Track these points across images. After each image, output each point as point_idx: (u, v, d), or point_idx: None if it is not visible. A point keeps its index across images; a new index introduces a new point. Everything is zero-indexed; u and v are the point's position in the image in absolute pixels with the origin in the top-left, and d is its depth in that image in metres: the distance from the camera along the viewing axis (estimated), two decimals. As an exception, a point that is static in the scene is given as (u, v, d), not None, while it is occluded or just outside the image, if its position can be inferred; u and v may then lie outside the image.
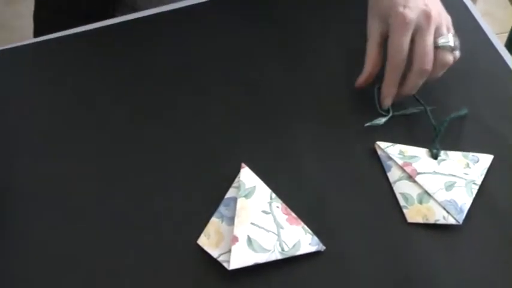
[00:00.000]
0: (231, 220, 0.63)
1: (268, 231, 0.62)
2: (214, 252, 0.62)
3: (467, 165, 0.69)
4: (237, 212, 0.63)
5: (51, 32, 0.83)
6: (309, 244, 0.62)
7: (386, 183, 0.68)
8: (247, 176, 0.66)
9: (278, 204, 0.64)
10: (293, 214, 0.64)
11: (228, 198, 0.66)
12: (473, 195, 0.66)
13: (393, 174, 0.69)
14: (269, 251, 0.61)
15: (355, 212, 0.66)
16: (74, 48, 0.82)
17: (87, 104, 0.76)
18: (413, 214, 0.66)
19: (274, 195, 0.65)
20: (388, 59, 0.70)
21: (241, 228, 0.61)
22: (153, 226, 0.65)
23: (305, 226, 0.64)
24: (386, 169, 0.69)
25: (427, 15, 0.68)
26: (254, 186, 0.65)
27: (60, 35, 0.83)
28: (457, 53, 0.71)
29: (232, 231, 0.62)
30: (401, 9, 0.68)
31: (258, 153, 0.70)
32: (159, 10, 0.85)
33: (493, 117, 0.74)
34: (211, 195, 0.66)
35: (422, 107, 0.72)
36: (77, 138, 0.72)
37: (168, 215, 0.66)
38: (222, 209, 0.65)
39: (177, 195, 0.67)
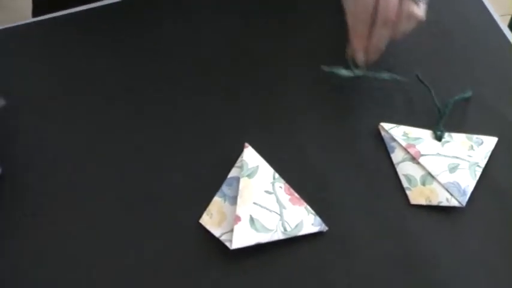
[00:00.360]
0: (233, 199, 0.63)
1: (270, 211, 0.62)
2: (216, 232, 0.62)
3: (471, 148, 0.68)
4: (239, 192, 0.62)
5: (50, 12, 0.82)
6: (312, 224, 0.62)
7: (390, 165, 0.68)
8: (250, 155, 0.66)
9: (281, 184, 0.64)
10: (296, 194, 0.64)
11: (231, 177, 0.65)
12: (477, 178, 0.66)
13: (397, 156, 0.68)
14: (271, 230, 0.61)
15: (358, 193, 0.66)
16: (72, 28, 0.81)
17: (87, 83, 0.75)
18: (416, 196, 0.65)
19: (277, 175, 0.65)
20: (351, 9, 0.68)
21: (243, 208, 0.61)
22: (155, 205, 0.65)
23: (308, 206, 0.64)
24: (389, 150, 0.69)
25: None
26: (257, 166, 0.65)
27: (58, 14, 0.82)
28: (422, 5, 0.70)
29: (234, 210, 0.61)
30: None
31: (260, 134, 0.69)
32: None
33: (497, 99, 0.73)
34: (214, 175, 0.66)
35: (396, 77, 0.72)
36: (76, 119, 0.72)
37: (170, 194, 0.65)
38: (224, 188, 0.65)
39: (179, 175, 0.66)
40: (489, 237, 0.63)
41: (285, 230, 0.61)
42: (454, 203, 0.64)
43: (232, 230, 0.60)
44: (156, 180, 0.66)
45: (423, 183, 0.66)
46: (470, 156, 0.68)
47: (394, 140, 0.69)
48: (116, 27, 0.81)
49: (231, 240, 0.60)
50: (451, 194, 0.65)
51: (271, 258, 0.61)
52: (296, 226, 0.62)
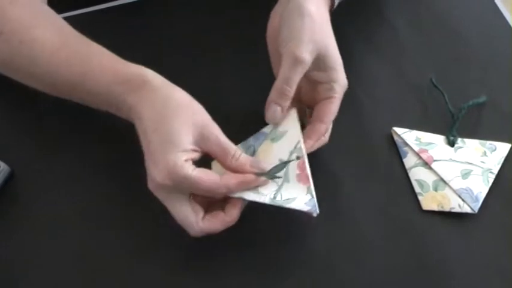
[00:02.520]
0: (252, 153, 0.62)
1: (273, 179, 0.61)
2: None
3: (484, 154, 0.68)
4: (257, 152, 0.62)
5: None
6: (304, 203, 0.59)
7: (402, 170, 0.68)
8: (288, 119, 0.63)
9: (299, 155, 0.61)
10: (307, 171, 0.61)
11: (261, 132, 0.64)
12: (490, 184, 0.66)
13: (409, 161, 0.68)
14: (262, 194, 0.59)
15: (370, 197, 0.65)
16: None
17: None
18: (429, 201, 0.65)
19: (300, 145, 0.62)
20: (325, 122, 0.63)
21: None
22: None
23: (311, 187, 0.60)
24: (402, 155, 0.68)
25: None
26: (286, 131, 0.63)
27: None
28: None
29: None
30: (344, 74, 0.63)
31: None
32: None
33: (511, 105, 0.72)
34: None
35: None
36: (81, 121, 0.71)
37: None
38: (251, 139, 0.63)
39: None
40: (502, 244, 0.63)
41: (275, 198, 0.59)
42: (466, 209, 0.64)
43: None
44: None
45: (435, 189, 0.65)
46: (483, 162, 0.67)
47: (406, 144, 0.69)
48: (118, 28, 0.81)
49: None
50: (464, 200, 0.64)
51: (278, 260, 0.61)
52: (287, 199, 0.59)
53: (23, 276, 0.61)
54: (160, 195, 0.58)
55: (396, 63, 0.75)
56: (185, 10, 0.82)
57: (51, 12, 0.67)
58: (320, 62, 0.62)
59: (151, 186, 0.58)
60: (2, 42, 0.63)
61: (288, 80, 0.60)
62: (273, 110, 0.61)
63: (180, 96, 0.59)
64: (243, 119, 0.68)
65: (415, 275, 0.61)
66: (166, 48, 0.78)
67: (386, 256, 0.62)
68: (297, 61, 0.60)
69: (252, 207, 0.59)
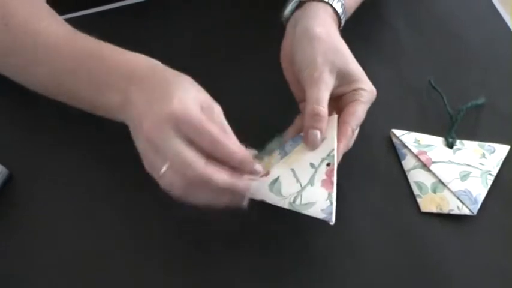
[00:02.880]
0: (284, 156, 0.62)
1: (297, 181, 0.60)
2: None
3: (483, 155, 0.68)
4: (289, 154, 0.62)
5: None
6: (321, 210, 0.59)
7: (401, 172, 0.68)
8: (328, 125, 0.62)
9: (329, 162, 0.61)
10: (334, 179, 0.61)
11: (300, 135, 0.63)
12: (489, 186, 0.66)
13: (408, 163, 0.68)
14: (283, 197, 0.60)
15: (369, 199, 0.65)
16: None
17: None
18: (427, 203, 0.65)
19: (333, 153, 0.61)
20: (350, 124, 0.62)
21: (279, 169, 0.61)
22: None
23: (333, 194, 0.60)
24: (401, 157, 0.68)
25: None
26: (323, 138, 0.62)
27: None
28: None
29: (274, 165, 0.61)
30: (371, 84, 0.64)
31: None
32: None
33: (510, 107, 0.72)
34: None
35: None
36: (88, 122, 0.72)
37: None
38: (288, 143, 0.63)
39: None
40: (501, 246, 0.63)
41: (294, 202, 0.59)
42: (465, 211, 0.64)
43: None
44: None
45: (434, 191, 0.65)
46: (482, 164, 0.67)
47: (405, 146, 0.69)
48: (118, 30, 0.81)
49: None
50: (462, 202, 0.64)
51: (277, 262, 0.61)
52: (306, 204, 0.59)
53: (22, 279, 0.60)
54: (157, 131, 0.55)
55: (395, 65, 0.75)
56: (185, 11, 0.82)
57: (52, 10, 0.68)
58: (343, 79, 0.63)
59: (147, 126, 0.55)
60: (7, 32, 0.64)
61: (318, 101, 0.60)
62: (313, 135, 0.61)
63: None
64: (244, 120, 0.68)
65: (414, 277, 0.60)
66: (167, 49, 0.78)
67: (385, 258, 0.62)
68: (319, 81, 0.61)
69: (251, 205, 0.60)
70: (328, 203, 0.59)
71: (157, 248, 0.62)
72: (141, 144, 0.57)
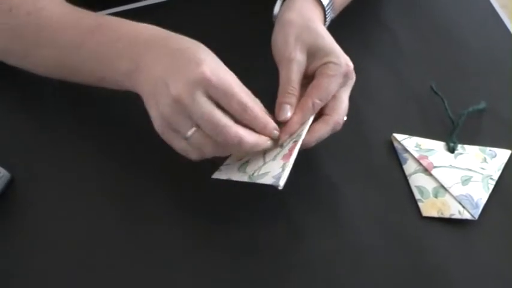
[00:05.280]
0: None
1: (263, 160, 0.61)
2: (227, 160, 0.63)
3: (485, 160, 0.68)
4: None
5: None
6: (272, 177, 0.58)
7: (402, 176, 0.67)
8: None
9: (296, 140, 0.61)
10: (294, 152, 0.60)
11: None
12: (490, 191, 0.66)
13: (409, 167, 0.68)
14: (246, 173, 0.61)
15: (369, 204, 0.65)
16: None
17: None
18: (428, 208, 0.65)
19: (301, 132, 0.61)
20: (311, 96, 0.62)
21: (253, 154, 0.62)
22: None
23: (288, 164, 0.59)
24: (402, 161, 0.68)
25: (353, 74, 0.65)
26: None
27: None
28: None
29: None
30: (346, 57, 0.64)
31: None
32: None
33: (511, 112, 0.72)
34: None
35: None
36: (95, 125, 0.72)
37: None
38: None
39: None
40: (502, 251, 0.63)
41: (253, 174, 0.60)
42: (466, 215, 0.64)
43: (227, 164, 0.62)
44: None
45: (435, 195, 0.65)
46: (483, 168, 0.67)
47: (406, 151, 0.69)
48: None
49: (219, 170, 0.62)
50: (464, 207, 0.64)
51: (276, 266, 0.61)
52: (261, 174, 0.59)
53: (24, 281, 0.60)
54: (187, 94, 0.56)
55: (396, 69, 0.75)
56: (188, 11, 0.82)
57: None
58: (314, 55, 0.64)
59: (177, 87, 0.56)
60: (10, 17, 0.64)
61: (289, 81, 0.62)
62: (282, 107, 0.62)
63: None
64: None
65: (415, 282, 0.60)
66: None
67: (386, 262, 0.62)
68: (289, 61, 0.63)
69: (247, 208, 0.59)
70: (280, 169, 0.59)
71: (161, 249, 0.62)
72: (165, 107, 0.57)
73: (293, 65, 0.63)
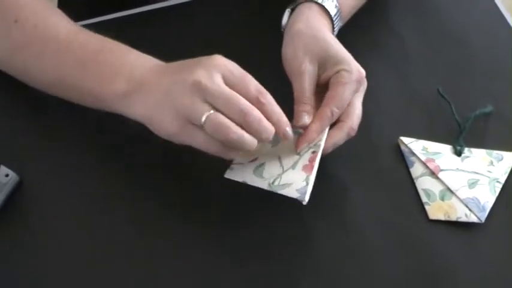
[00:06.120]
0: (276, 145, 0.64)
1: (281, 166, 0.62)
2: (237, 158, 0.63)
3: (491, 163, 0.68)
4: (280, 143, 0.63)
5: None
6: (296, 190, 0.59)
7: (409, 179, 0.68)
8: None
9: (314, 150, 0.62)
10: (315, 163, 0.61)
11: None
12: (497, 194, 0.66)
13: (416, 170, 0.68)
14: (263, 178, 0.61)
15: (376, 206, 0.66)
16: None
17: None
18: (435, 211, 0.65)
19: (320, 143, 0.63)
20: (328, 105, 0.63)
21: (267, 156, 0.62)
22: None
23: (311, 177, 0.60)
24: (409, 165, 0.68)
25: (365, 80, 0.66)
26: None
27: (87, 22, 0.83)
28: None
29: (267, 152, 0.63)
30: (357, 64, 0.65)
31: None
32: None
33: (518, 115, 0.73)
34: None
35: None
36: (101, 128, 0.72)
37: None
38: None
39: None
40: (508, 254, 0.63)
41: (273, 183, 0.60)
42: (473, 218, 0.64)
43: (238, 163, 0.62)
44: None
45: (442, 199, 0.66)
46: (490, 171, 0.67)
47: (413, 154, 0.69)
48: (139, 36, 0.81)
49: (230, 168, 0.62)
50: (470, 210, 0.64)
51: (283, 269, 0.61)
52: (283, 185, 0.60)
53: (33, 284, 0.60)
54: (206, 76, 0.57)
55: (403, 72, 0.75)
56: (197, 17, 0.82)
57: (60, 10, 0.69)
58: (325, 64, 0.65)
59: (198, 72, 0.58)
60: (17, 28, 0.65)
61: (302, 92, 0.64)
62: (301, 115, 0.63)
63: None
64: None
65: (422, 285, 0.61)
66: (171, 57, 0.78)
67: (393, 265, 0.62)
68: (300, 74, 0.64)
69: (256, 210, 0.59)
70: (304, 183, 0.60)
71: (167, 252, 0.62)
72: (180, 97, 0.58)
73: (304, 77, 0.64)
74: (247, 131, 0.57)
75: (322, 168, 0.67)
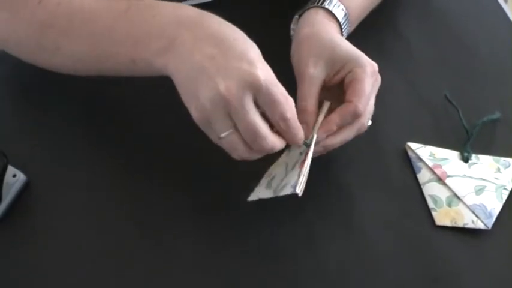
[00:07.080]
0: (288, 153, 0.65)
1: (286, 171, 0.62)
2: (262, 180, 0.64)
3: (498, 170, 0.68)
4: (291, 150, 0.64)
5: None
6: (291, 186, 0.59)
7: (416, 185, 0.68)
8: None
9: (308, 144, 0.62)
10: (307, 158, 0.61)
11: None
12: (504, 201, 0.66)
13: (423, 176, 0.68)
14: (272, 188, 0.62)
15: (384, 212, 0.66)
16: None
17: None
18: (442, 217, 0.65)
19: (312, 136, 0.62)
20: (351, 104, 0.62)
21: (277, 167, 0.64)
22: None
23: (303, 171, 0.60)
24: (416, 170, 0.69)
25: (378, 76, 0.65)
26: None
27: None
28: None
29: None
30: (368, 59, 0.64)
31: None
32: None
33: (526, 122, 0.73)
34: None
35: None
36: (107, 130, 0.72)
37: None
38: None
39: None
40: (515, 261, 0.63)
41: (276, 188, 0.61)
42: (479, 225, 0.64)
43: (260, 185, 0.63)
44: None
45: (449, 205, 0.66)
46: (497, 178, 0.67)
47: (420, 160, 0.69)
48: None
49: (253, 192, 0.63)
50: (477, 216, 0.64)
51: (288, 273, 0.61)
52: (283, 186, 0.60)
53: (38, 284, 0.60)
54: (237, 95, 0.54)
55: (410, 78, 0.75)
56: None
57: None
58: (334, 65, 0.64)
59: (227, 84, 0.54)
60: (41, 8, 0.64)
61: (304, 97, 0.63)
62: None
63: None
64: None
65: (428, 291, 0.61)
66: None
67: (399, 271, 0.62)
68: (303, 76, 0.64)
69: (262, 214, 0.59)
70: (296, 177, 0.59)
71: (172, 253, 0.63)
72: (208, 101, 0.55)
73: (306, 81, 0.64)
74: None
75: (329, 173, 0.68)
